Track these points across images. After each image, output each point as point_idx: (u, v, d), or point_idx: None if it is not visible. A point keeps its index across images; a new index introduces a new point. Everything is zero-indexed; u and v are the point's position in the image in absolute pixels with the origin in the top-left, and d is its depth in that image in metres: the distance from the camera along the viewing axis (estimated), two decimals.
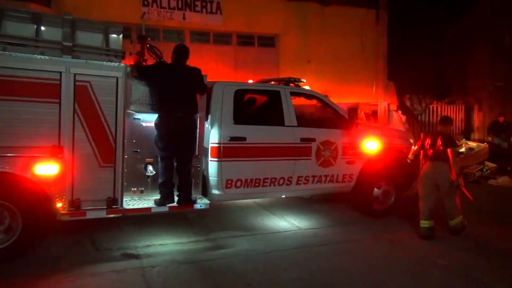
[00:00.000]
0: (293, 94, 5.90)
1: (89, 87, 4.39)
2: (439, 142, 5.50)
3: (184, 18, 10.94)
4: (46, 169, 4.22)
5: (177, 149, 4.93)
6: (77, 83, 4.33)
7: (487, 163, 10.49)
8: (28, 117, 4.15)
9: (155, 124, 4.89)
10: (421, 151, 5.87)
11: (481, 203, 6.14)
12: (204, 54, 10.72)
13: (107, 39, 4.64)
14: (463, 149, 10.89)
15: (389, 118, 11.33)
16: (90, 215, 4.49)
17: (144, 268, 4.24)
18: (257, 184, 5.45)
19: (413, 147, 6.34)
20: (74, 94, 4.32)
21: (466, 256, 4.96)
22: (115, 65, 4.52)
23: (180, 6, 10.87)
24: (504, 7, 15.35)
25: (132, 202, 4.86)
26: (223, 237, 5.28)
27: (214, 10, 11.22)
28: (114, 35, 4.71)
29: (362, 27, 12.50)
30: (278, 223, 6.00)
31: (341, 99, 8.97)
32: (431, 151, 5.60)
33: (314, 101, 6.31)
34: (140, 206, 4.82)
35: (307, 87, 6.30)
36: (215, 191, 5.26)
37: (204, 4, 11.12)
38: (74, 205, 4.39)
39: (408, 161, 6.08)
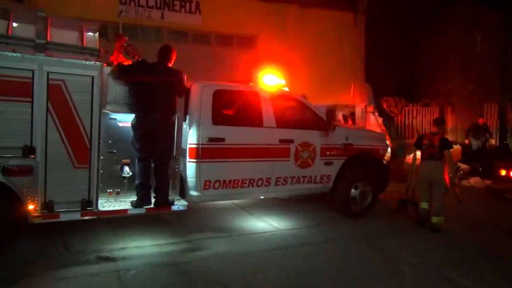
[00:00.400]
0: (272, 95, 5.92)
1: (63, 86, 4.28)
2: (437, 143, 5.98)
3: (162, 17, 10.81)
4: (17, 170, 4.08)
5: (154, 150, 4.86)
6: (50, 81, 4.21)
7: (460, 164, 10.81)
8: None
9: (132, 125, 4.80)
10: (418, 150, 6.36)
11: (453, 203, 6.34)
12: (182, 54, 10.59)
13: (82, 37, 4.54)
14: None
15: (366, 120, 11.54)
16: (64, 217, 4.37)
17: (119, 271, 4.15)
18: (235, 185, 5.44)
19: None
20: (47, 93, 4.20)
21: (439, 254, 5.09)
22: (91, 63, 4.41)
23: (158, 5, 10.72)
24: (476, 13, 15.89)
25: (107, 204, 4.77)
26: (201, 239, 5.24)
27: (193, 10, 11.13)
28: (90, 33, 4.62)
29: (340, 30, 12.66)
30: (257, 224, 6.01)
31: (319, 101, 9.02)
32: (428, 151, 6.02)
33: (292, 103, 6.35)
34: (116, 208, 4.73)
35: (286, 89, 6.33)
36: (193, 193, 5.21)
37: (183, 3, 11.02)
38: (47, 207, 4.27)
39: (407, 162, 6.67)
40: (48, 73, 4.19)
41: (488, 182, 10.05)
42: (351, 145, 6.36)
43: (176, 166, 5.20)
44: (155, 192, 4.94)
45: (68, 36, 4.48)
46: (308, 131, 6.03)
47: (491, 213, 7.38)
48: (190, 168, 5.16)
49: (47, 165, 4.25)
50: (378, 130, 10.73)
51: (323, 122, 6.13)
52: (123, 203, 4.86)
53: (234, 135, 5.40)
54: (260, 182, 5.62)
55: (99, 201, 4.63)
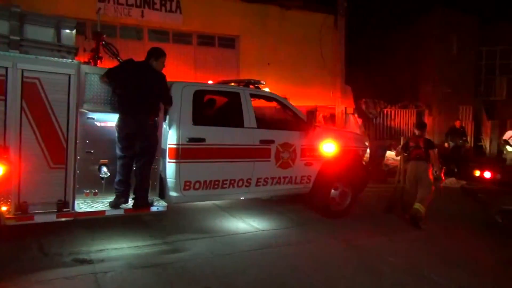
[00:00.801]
0: (253, 96, 5.92)
1: (38, 84, 4.17)
2: (422, 144, 6.59)
3: (142, 16, 10.66)
4: None
5: (136, 151, 4.79)
6: (25, 79, 4.09)
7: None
8: None
9: (116, 125, 4.75)
10: (404, 153, 6.92)
11: (437, 201, 6.57)
12: None
13: (59, 34, 4.45)
14: None
15: (346, 121, 11.68)
16: (39, 219, 4.25)
17: (97, 273, 4.07)
18: (216, 186, 5.41)
19: (398, 148, 7.39)
20: (22, 91, 4.08)
21: (417, 253, 5.19)
22: (68, 61, 4.32)
23: (138, 3, 10.57)
24: (452, 17, 16.31)
25: (85, 205, 4.65)
26: (180, 240, 5.19)
27: (173, 9, 11.03)
28: (67, 30, 4.52)
29: (321, 32, 12.78)
30: (237, 225, 5.99)
31: (300, 102, 9.10)
32: (414, 152, 6.59)
33: (273, 103, 6.37)
34: (94, 209, 4.62)
35: (266, 89, 6.34)
36: (173, 193, 5.16)
37: (163, 2, 10.90)
38: (21, 208, 4.14)
39: (390, 161, 7.35)
40: (22, 70, 4.07)
41: (463, 182, 10.30)
42: (330, 146, 6.41)
43: (156, 167, 5.12)
44: (134, 193, 4.87)
45: (44, 33, 4.38)
46: (288, 132, 6.05)
47: (466, 211, 7.56)
48: (170, 168, 5.10)
49: (21, 165, 4.13)
50: (357, 131, 10.88)
51: (304, 123, 6.17)
52: (101, 204, 4.75)
53: (214, 136, 5.37)
54: (240, 182, 5.61)
55: (76, 202, 4.52)
